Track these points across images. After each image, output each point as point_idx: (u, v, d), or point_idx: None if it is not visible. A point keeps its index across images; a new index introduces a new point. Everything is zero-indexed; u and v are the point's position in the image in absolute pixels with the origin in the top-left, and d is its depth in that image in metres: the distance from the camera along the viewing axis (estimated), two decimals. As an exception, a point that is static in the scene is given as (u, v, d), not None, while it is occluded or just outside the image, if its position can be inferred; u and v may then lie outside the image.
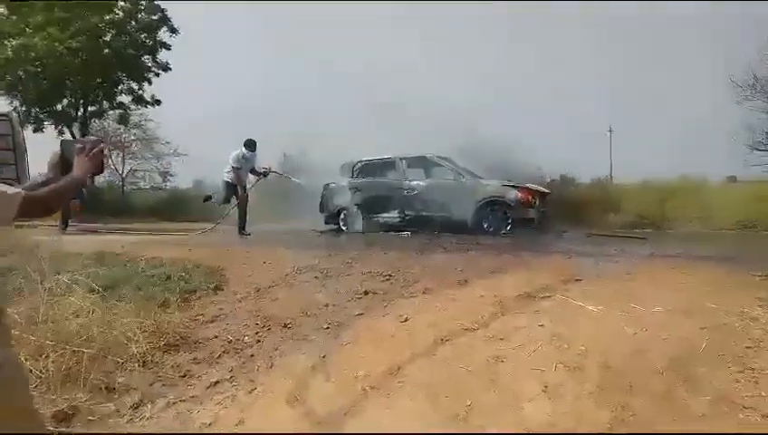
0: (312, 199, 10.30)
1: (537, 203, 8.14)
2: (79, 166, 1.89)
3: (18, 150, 10.90)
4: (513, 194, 8.06)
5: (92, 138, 2.05)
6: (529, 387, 2.81)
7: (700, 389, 2.61)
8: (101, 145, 1.96)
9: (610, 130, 35.69)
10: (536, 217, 8.09)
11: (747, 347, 2.90)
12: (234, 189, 9.25)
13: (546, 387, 2.78)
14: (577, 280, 4.30)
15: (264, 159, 9.60)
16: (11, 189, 1.67)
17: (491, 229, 8.04)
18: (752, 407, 2.43)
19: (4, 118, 12.14)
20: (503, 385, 2.85)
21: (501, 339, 3.30)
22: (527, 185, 8.56)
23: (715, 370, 2.74)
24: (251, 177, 9.46)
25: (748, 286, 3.88)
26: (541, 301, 3.87)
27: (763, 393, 2.50)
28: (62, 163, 1.98)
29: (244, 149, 9.17)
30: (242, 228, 9.14)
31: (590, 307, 3.63)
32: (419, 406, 2.79)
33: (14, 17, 16.61)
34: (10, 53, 16.10)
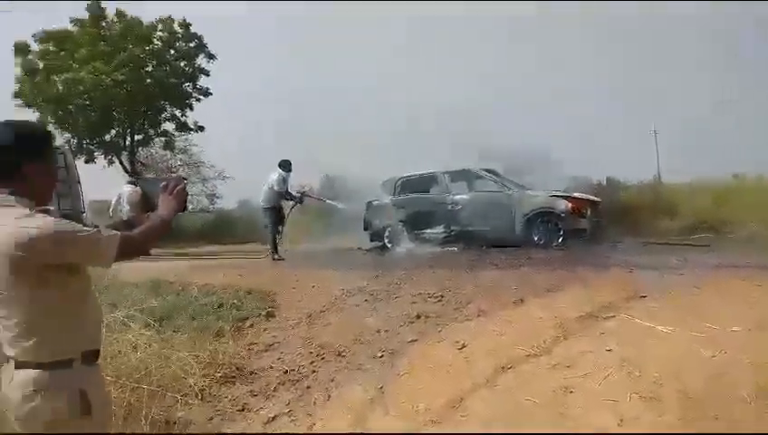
0: (351, 218, 10.28)
1: (588, 212, 7.87)
2: (164, 205, 1.87)
3: (72, 182, 11.43)
4: (563, 204, 7.81)
5: (174, 175, 2.09)
6: (603, 420, 2.65)
7: (798, 421, 2.39)
8: (184, 183, 1.94)
9: (655, 130, 34.49)
10: (588, 228, 7.81)
11: None
12: (278, 212, 9.12)
13: (622, 421, 2.61)
14: (641, 297, 4.07)
15: (303, 181, 9.57)
16: (108, 232, 1.67)
17: (542, 242, 7.80)
18: None
19: (58, 152, 12.64)
20: (574, 418, 2.70)
21: (567, 367, 3.13)
22: (575, 194, 8.30)
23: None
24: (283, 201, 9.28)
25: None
26: (604, 321, 3.68)
27: None
28: (144, 201, 1.99)
29: (280, 170, 8.94)
30: (275, 252, 9.00)
31: (660, 328, 3.42)
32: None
33: (62, 53, 17.40)
34: (60, 87, 16.85)
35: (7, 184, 1.64)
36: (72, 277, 1.67)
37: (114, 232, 1.68)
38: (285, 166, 9.01)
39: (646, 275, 4.90)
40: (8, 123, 1.71)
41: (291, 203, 9.55)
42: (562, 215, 7.76)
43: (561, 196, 8.05)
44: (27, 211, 1.60)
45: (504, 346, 3.56)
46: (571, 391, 2.90)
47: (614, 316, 3.72)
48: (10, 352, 1.62)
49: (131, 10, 18.40)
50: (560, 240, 7.70)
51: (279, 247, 9.04)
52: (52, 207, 1.77)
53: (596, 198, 8.60)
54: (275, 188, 8.84)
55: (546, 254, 6.97)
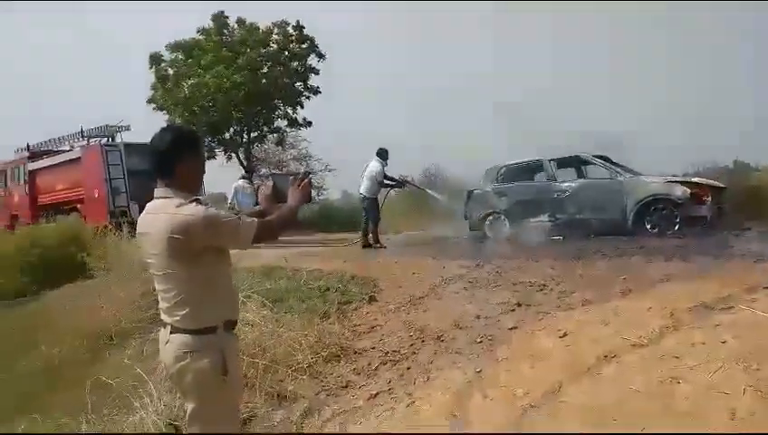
0: (449, 208, 10.24)
1: (710, 199, 7.26)
2: (293, 196, 2.16)
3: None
4: (680, 190, 7.26)
5: (301, 171, 2.41)
6: (712, 413, 2.51)
7: None
8: (309, 177, 2.25)
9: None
10: (709, 215, 7.20)
11: None
12: (378, 202, 9.20)
13: (734, 413, 2.46)
14: (765, 288, 3.75)
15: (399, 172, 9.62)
16: (248, 219, 1.98)
17: (656, 231, 7.33)
18: None
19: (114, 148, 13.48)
20: (680, 409, 2.58)
21: (675, 357, 2.99)
22: (695, 179, 7.68)
23: None
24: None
25: None
26: (721, 313, 3.44)
27: None
28: (275, 193, 2.31)
29: (378, 159, 9.01)
30: (377, 241, 9.07)
31: (785, 321, 3.15)
32: (584, 428, 2.63)
33: (190, 60, 19.00)
34: (187, 92, 18.45)
35: (165, 178, 1.97)
36: (217, 258, 1.98)
37: (252, 219, 1.99)
38: (383, 155, 9.08)
39: (773, 266, 4.49)
40: (165, 129, 2.06)
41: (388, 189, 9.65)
42: (680, 202, 7.23)
43: (679, 181, 7.51)
44: (182, 201, 1.90)
45: (608, 336, 3.45)
46: (679, 382, 2.77)
47: (732, 308, 3.47)
48: (167, 319, 1.95)
49: (250, 15, 19.66)
50: (676, 228, 7.19)
51: (379, 236, 9.15)
52: (202, 197, 2.07)
53: (719, 184, 7.90)
54: (376, 177, 8.91)
55: (660, 243, 6.56)
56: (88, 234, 10.13)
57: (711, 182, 7.82)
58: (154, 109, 19.18)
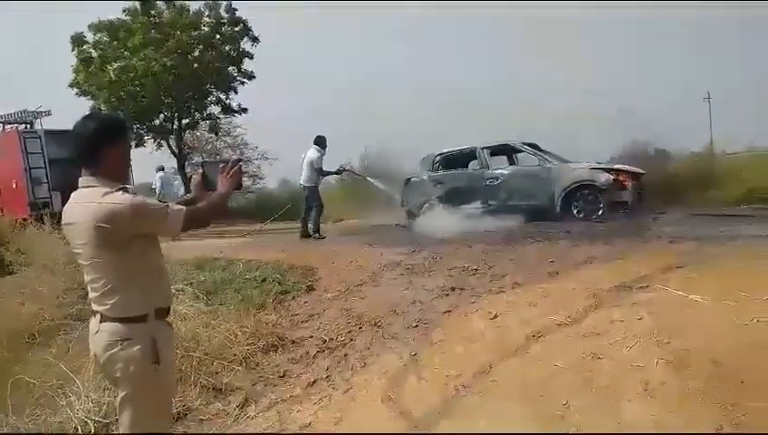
0: (388, 195, 10.28)
1: (631, 184, 7.69)
2: (223, 184, 2.15)
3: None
4: (604, 177, 7.65)
5: (232, 158, 2.32)
6: (628, 385, 2.70)
7: (824, 386, 2.39)
8: (239, 164, 2.21)
9: (708, 96, 32.86)
10: (630, 200, 7.64)
11: None
12: (318, 191, 8.99)
13: (647, 385, 2.65)
14: (678, 267, 4.03)
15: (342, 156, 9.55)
16: (176, 207, 1.96)
17: (581, 216, 7.71)
18: None
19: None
20: (600, 384, 2.76)
21: (597, 335, 3.18)
22: (617, 166, 8.11)
23: (842, 364, 2.50)
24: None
25: None
26: (638, 292, 3.68)
27: None
28: (205, 181, 2.25)
29: (316, 147, 8.78)
30: (317, 231, 8.89)
31: (694, 297, 3.40)
32: (513, 406, 2.76)
33: (115, 42, 18.05)
34: (113, 75, 17.52)
35: (90, 167, 1.93)
36: (145, 246, 1.97)
37: (180, 207, 1.97)
38: (321, 142, 8.88)
39: (685, 247, 4.82)
40: (89, 116, 2.02)
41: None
42: (603, 187, 7.63)
43: (603, 168, 7.90)
44: (108, 189, 1.88)
45: (536, 316, 3.62)
46: (599, 358, 2.95)
47: (648, 287, 3.72)
48: (96, 308, 1.93)
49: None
50: (600, 213, 7.58)
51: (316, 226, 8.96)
52: (129, 185, 2.03)
53: (639, 170, 8.37)
54: (314, 165, 8.73)
55: (585, 227, 6.90)
56: (5, 227, 9.51)
57: (632, 168, 8.27)
58: (77, 94, 18.12)
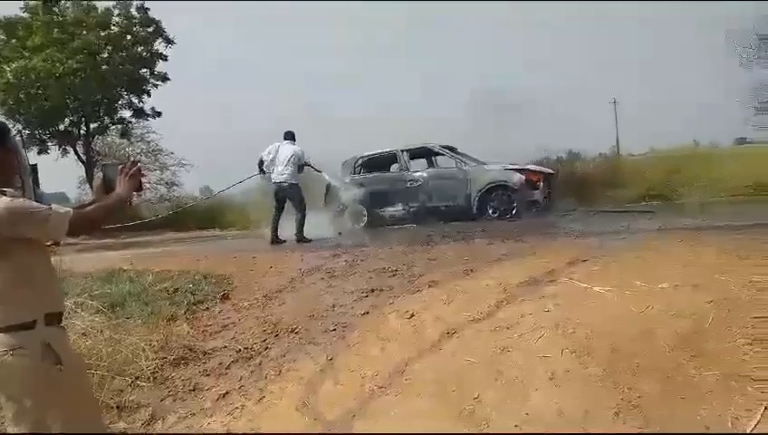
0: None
1: (542, 184, 8.06)
2: (121, 185, 2.07)
3: (23, 173, 11.22)
4: (517, 177, 7.98)
5: (131, 160, 2.19)
6: (536, 375, 2.79)
7: (709, 364, 2.57)
8: (138, 165, 2.14)
9: (615, 101, 35.23)
10: (541, 199, 8.01)
11: (756, 317, 2.85)
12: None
13: (553, 374, 2.75)
14: (583, 261, 4.24)
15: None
16: (62, 208, 1.87)
17: (496, 215, 7.99)
18: (762, 379, 2.39)
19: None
20: (509, 376, 2.83)
21: (507, 328, 3.27)
22: (529, 166, 8.48)
23: (723, 343, 2.70)
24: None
25: (757, 255, 3.80)
26: (546, 285, 3.82)
27: (773, 365, 2.46)
28: (105, 185, 2.13)
29: (291, 142, 8.05)
30: (302, 234, 7.95)
31: (597, 288, 3.58)
32: (427, 403, 2.77)
33: (13, 41, 16.75)
34: (10, 76, 16.22)
35: None
36: (29, 250, 1.86)
37: (67, 209, 1.87)
38: (294, 137, 8.14)
39: (590, 241, 5.08)
40: None
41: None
42: (516, 188, 7.94)
43: (516, 169, 8.22)
44: None
45: (451, 313, 3.68)
46: (509, 350, 3.03)
47: (555, 280, 3.88)
48: None
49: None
50: (513, 212, 7.88)
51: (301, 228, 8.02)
52: (8, 190, 1.89)
53: (550, 170, 8.80)
54: (301, 161, 7.93)
55: (499, 226, 7.14)
56: None
57: (543, 169, 8.67)
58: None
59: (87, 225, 1.96)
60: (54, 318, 1.92)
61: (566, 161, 14.68)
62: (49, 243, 2.02)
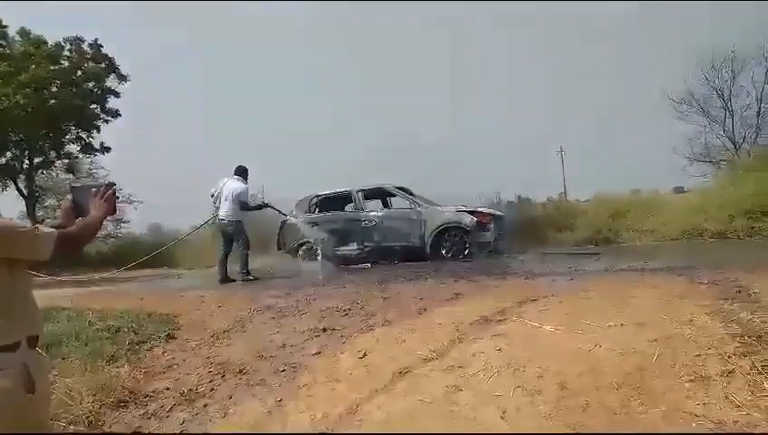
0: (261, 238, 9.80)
1: (492, 226, 8.23)
2: (96, 208, 2.07)
3: None
4: (469, 218, 8.13)
5: (105, 182, 2.11)
6: (488, 414, 2.78)
7: (654, 401, 2.63)
8: (114, 188, 2.13)
9: (561, 150, 36.90)
10: (492, 241, 8.17)
11: (696, 355, 2.95)
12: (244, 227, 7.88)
13: (504, 413, 2.75)
14: (533, 301, 4.32)
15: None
16: (46, 229, 1.83)
17: (449, 255, 8.09)
18: (703, 415, 2.46)
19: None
20: (461, 415, 2.81)
21: (459, 367, 3.26)
22: (481, 208, 8.67)
23: (667, 380, 2.77)
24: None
25: (695, 295, 3.97)
26: (497, 324, 3.87)
27: (714, 401, 2.53)
28: (75, 208, 2.09)
29: (239, 178, 7.85)
30: (248, 272, 7.83)
31: (547, 327, 3.65)
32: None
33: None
34: (-47, 108, 15.57)
35: None
36: (12, 270, 1.79)
37: (51, 229, 1.84)
38: (244, 174, 7.98)
39: (539, 282, 5.20)
40: None
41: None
42: (468, 229, 8.08)
43: (468, 211, 8.38)
44: None
45: (403, 352, 3.65)
46: (461, 390, 3.02)
47: (506, 319, 3.93)
48: None
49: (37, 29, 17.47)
50: (466, 253, 7.99)
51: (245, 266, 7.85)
52: None
53: (499, 213, 9.02)
54: (241, 198, 7.71)
55: (452, 266, 7.22)
56: None
57: (493, 211, 8.88)
58: None
59: (71, 245, 1.90)
60: (34, 341, 1.85)
61: (518, 205, 15.11)
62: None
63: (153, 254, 9.69)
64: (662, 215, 10.79)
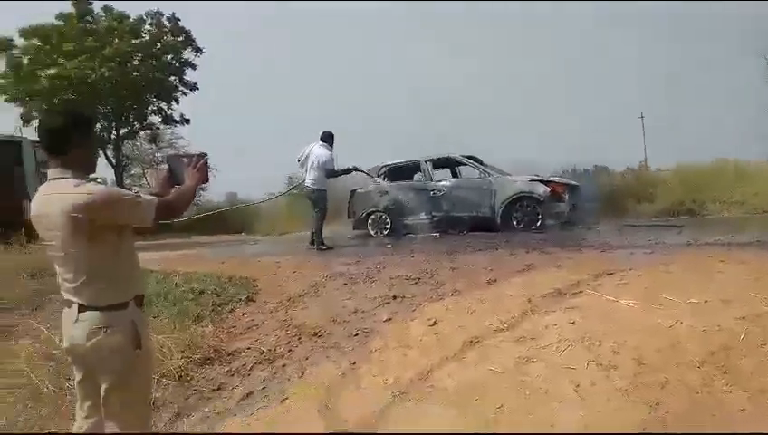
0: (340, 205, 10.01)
1: (567, 196, 7.97)
2: (191, 177, 2.19)
3: (31, 172, 11.69)
4: (542, 189, 7.90)
5: (197, 152, 2.25)
6: (560, 387, 2.76)
7: (739, 381, 2.52)
8: (205, 157, 2.24)
9: (642, 116, 34.84)
10: (566, 211, 7.92)
11: (790, 336, 2.79)
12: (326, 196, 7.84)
13: (578, 386, 2.72)
14: (609, 274, 4.18)
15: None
16: (147, 196, 2.00)
17: (520, 226, 7.92)
18: (796, 398, 2.33)
19: (34, 144, 12.58)
20: (533, 386, 2.81)
21: (531, 339, 3.24)
22: (554, 178, 8.39)
23: (755, 360, 2.64)
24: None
25: (790, 272, 3.72)
26: (571, 298, 3.79)
27: (807, 384, 2.40)
28: (170, 176, 2.25)
29: (324, 143, 7.72)
30: (322, 241, 7.71)
31: (623, 302, 3.54)
32: (449, 411, 2.76)
33: (48, 47, 17.26)
34: (45, 82, 16.72)
35: (60, 159, 1.94)
36: (120, 235, 1.97)
37: (152, 197, 2.00)
38: (329, 139, 7.81)
39: (616, 255, 5.03)
40: (53, 110, 2.21)
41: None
42: (541, 199, 7.87)
43: (541, 180, 8.15)
44: (80, 181, 1.90)
45: (473, 322, 3.67)
46: (533, 361, 3.01)
47: (581, 292, 3.84)
48: (73, 298, 1.93)
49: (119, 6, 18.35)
50: (538, 223, 7.81)
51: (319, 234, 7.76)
52: (99, 177, 1.97)
53: (574, 183, 8.71)
54: (327, 166, 7.61)
55: (524, 237, 7.08)
56: None
57: (568, 181, 8.58)
58: (6, 99, 17.17)
59: (170, 211, 2.05)
60: (140, 300, 2.05)
61: (595, 174, 14.54)
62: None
63: (232, 208, 9.86)
64: (753, 185, 10.04)
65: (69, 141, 1.94)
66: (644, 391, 2.57)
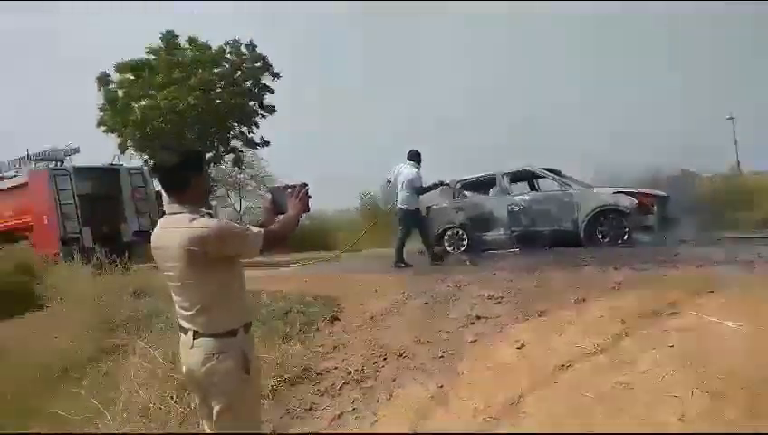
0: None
1: (656, 208, 7.58)
2: (292, 206, 2.31)
3: (149, 199, 12.67)
4: (628, 201, 7.57)
5: (299, 182, 2.41)
6: (662, 415, 2.62)
7: None
8: (306, 187, 2.35)
9: (732, 117, 32.37)
10: (656, 224, 7.52)
11: None
12: (419, 214, 7.96)
13: (683, 416, 2.58)
14: (709, 292, 3.93)
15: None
16: (254, 229, 2.14)
17: (606, 240, 7.61)
18: None
19: (138, 171, 13.81)
20: (633, 414, 2.68)
21: (627, 363, 3.11)
22: (641, 189, 8.01)
23: None
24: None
25: None
26: (668, 318, 3.59)
27: None
28: (273, 206, 2.39)
29: (412, 162, 7.79)
30: (401, 259, 7.71)
31: (728, 323, 3.31)
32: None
33: (140, 80, 18.71)
34: (138, 113, 18.12)
35: (177, 194, 2.10)
36: (231, 265, 2.12)
37: (259, 229, 2.14)
38: (416, 157, 7.86)
39: (716, 271, 4.71)
40: (169, 148, 2.35)
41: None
42: (627, 212, 7.53)
43: (627, 192, 7.81)
44: (195, 215, 2.06)
45: (564, 344, 3.56)
46: (632, 388, 2.88)
47: (679, 313, 3.63)
48: (189, 326, 2.10)
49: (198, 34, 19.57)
50: (625, 238, 7.47)
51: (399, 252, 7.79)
52: (211, 211, 2.25)
53: (663, 193, 8.27)
54: (414, 184, 7.62)
55: (610, 252, 6.80)
56: (38, 262, 9.77)
57: (656, 192, 8.17)
58: (104, 131, 18.75)
59: (276, 242, 2.18)
60: (248, 327, 2.20)
61: (681, 181, 13.72)
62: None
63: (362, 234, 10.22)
64: None
65: (184, 179, 2.09)
66: (759, 423, 2.40)
